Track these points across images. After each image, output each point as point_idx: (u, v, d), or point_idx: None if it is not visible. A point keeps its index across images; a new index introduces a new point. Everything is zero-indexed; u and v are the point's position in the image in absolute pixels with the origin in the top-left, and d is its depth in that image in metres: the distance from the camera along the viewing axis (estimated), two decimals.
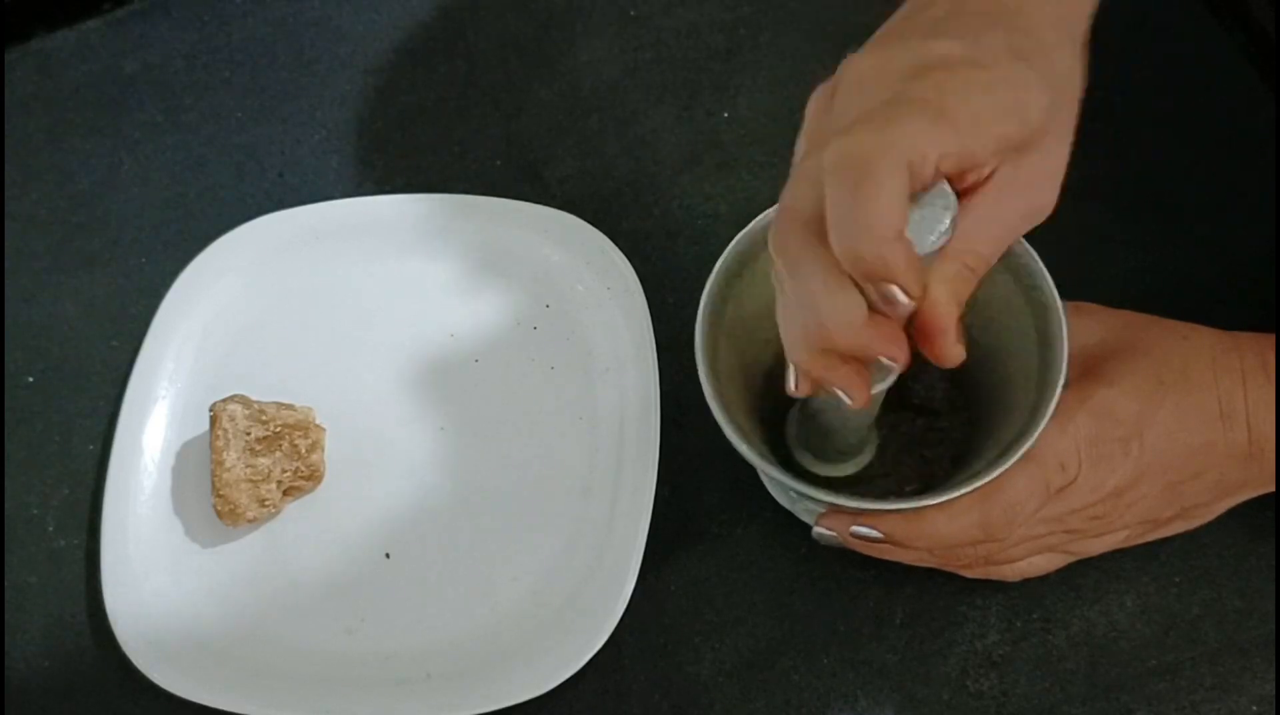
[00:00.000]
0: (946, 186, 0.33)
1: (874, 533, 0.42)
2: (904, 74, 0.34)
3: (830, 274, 0.33)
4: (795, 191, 0.34)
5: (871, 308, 0.33)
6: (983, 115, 0.33)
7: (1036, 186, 0.35)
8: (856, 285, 0.33)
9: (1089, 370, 0.43)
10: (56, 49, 0.67)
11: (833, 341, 0.34)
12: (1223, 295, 0.53)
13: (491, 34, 0.64)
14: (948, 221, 0.33)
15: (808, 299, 0.34)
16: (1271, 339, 0.43)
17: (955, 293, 0.35)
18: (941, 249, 0.33)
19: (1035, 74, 0.34)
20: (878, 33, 0.38)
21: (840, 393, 0.36)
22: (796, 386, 0.38)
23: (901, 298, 0.32)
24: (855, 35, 0.61)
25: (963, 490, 0.39)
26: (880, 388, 0.37)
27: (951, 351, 0.35)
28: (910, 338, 0.35)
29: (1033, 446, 0.39)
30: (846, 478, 0.48)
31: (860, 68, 0.35)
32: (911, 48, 0.35)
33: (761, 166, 0.59)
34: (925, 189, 0.32)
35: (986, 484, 0.39)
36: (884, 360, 0.34)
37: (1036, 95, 0.34)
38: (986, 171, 0.34)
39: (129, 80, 0.66)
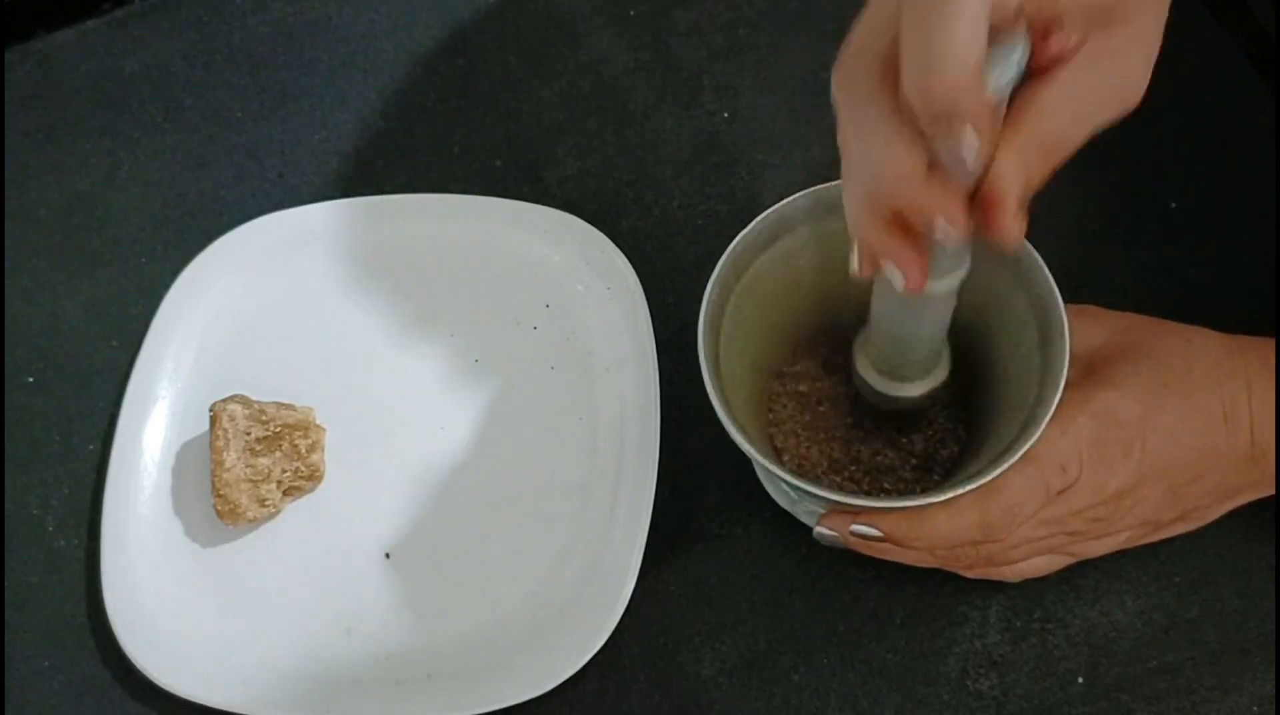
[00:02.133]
0: (1022, 33, 0.31)
1: (874, 531, 0.42)
2: None
3: (893, 120, 0.31)
4: (866, 27, 0.32)
5: (933, 166, 0.31)
6: None
7: (1125, 63, 0.33)
8: (919, 139, 0.31)
9: (1091, 372, 0.43)
10: (56, 49, 0.67)
11: (890, 197, 0.32)
12: (1223, 296, 0.53)
13: (491, 34, 0.64)
14: (1015, 68, 0.30)
15: (867, 147, 0.32)
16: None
17: (1023, 164, 0.32)
18: (1015, 115, 0.31)
19: None
20: None
21: (895, 271, 0.34)
22: (860, 266, 0.36)
23: (971, 142, 0.30)
24: None
25: (963, 489, 0.39)
26: (940, 285, 0.36)
27: (1011, 227, 0.33)
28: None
29: (1034, 448, 0.39)
30: (847, 477, 0.48)
31: None
32: None
33: (761, 166, 0.59)
34: (1003, 29, 0.30)
35: (987, 484, 0.39)
36: (941, 227, 0.32)
37: None
38: (1071, 43, 0.32)
39: (129, 80, 0.66)
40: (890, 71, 0.31)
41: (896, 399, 0.45)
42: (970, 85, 0.29)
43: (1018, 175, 0.32)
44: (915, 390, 0.45)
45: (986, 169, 0.32)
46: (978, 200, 0.33)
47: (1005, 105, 0.32)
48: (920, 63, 0.29)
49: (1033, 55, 0.32)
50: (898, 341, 0.43)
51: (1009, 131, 0.32)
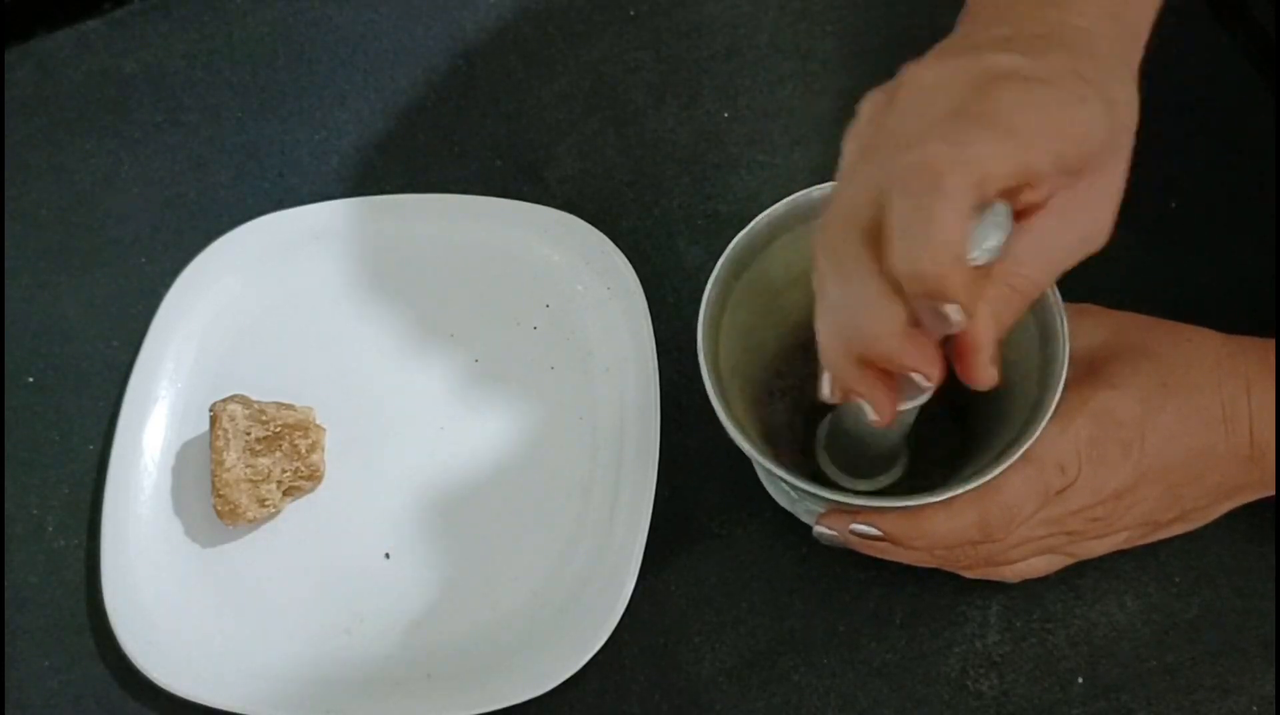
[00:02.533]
0: (1002, 206, 0.33)
1: (874, 531, 0.42)
2: (970, 85, 0.33)
3: (876, 281, 0.32)
4: (849, 195, 0.34)
5: (911, 323, 0.33)
6: (1047, 132, 0.33)
7: (1092, 213, 0.35)
8: (899, 296, 0.32)
9: (1091, 372, 0.43)
10: (56, 49, 0.67)
11: (869, 350, 0.34)
12: (1223, 296, 0.53)
13: (491, 34, 0.64)
14: (999, 239, 0.32)
15: (849, 305, 0.33)
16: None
17: (997, 314, 0.34)
18: (989, 269, 0.33)
19: (1096, 97, 0.34)
20: (939, 45, 0.38)
21: (867, 407, 0.35)
22: (830, 392, 0.37)
23: (955, 316, 0.32)
24: (856, 35, 0.61)
25: (962, 489, 0.39)
26: (908, 406, 0.37)
27: (985, 372, 0.35)
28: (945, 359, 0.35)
29: (1032, 447, 0.39)
30: (831, 478, 0.48)
31: (924, 76, 0.35)
32: (977, 60, 0.34)
33: (761, 166, 0.59)
34: (985, 206, 0.32)
35: (985, 484, 0.39)
36: (917, 377, 0.34)
37: (1098, 116, 0.34)
38: (1042, 196, 0.34)
39: (129, 80, 0.66)
40: (873, 234, 0.32)
41: (853, 493, 0.47)
42: (957, 268, 0.31)
43: (991, 322, 0.34)
44: (872, 486, 0.48)
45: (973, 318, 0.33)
46: (954, 347, 0.34)
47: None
48: (909, 248, 0.31)
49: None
50: (859, 448, 0.45)
51: (984, 283, 0.33)
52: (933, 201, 0.31)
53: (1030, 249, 0.34)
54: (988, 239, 0.32)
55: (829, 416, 0.48)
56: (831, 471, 0.48)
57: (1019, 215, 0.34)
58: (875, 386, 0.35)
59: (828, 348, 0.35)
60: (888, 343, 0.33)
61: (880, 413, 0.35)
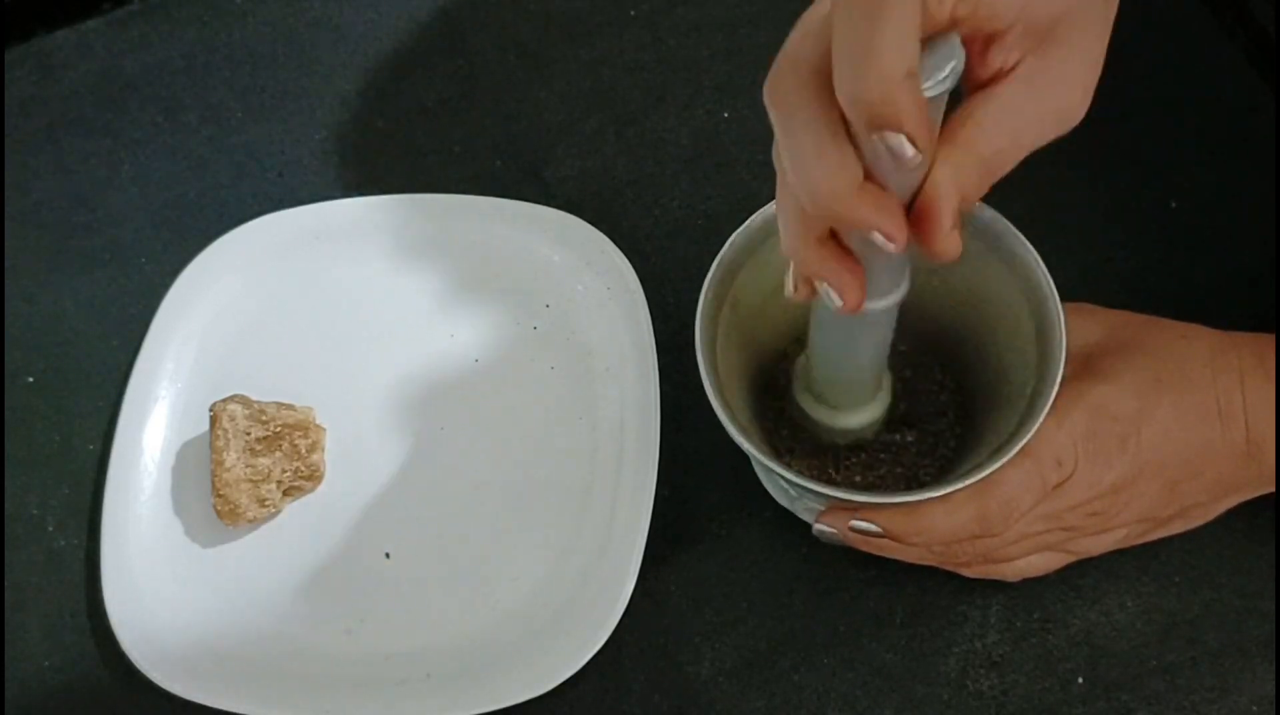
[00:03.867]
0: (955, 37, 0.31)
1: (873, 527, 0.42)
2: None
3: (826, 129, 0.31)
4: (798, 37, 0.32)
5: (868, 178, 0.31)
6: None
7: (1064, 84, 0.33)
8: (854, 150, 0.31)
9: (1086, 368, 0.43)
10: (56, 49, 0.67)
11: (825, 209, 0.31)
12: (1222, 295, 0.53)
13: (491, 34, 0.64)
14: (949, 67, 0.30)
15: (799, 159, 0.31)
16: (1270, 339, 0.43)
17: (959, 180, 0.32)
18: (951, 129, 0.31)
19: None
20: None
21: (832, 293, 0.34)
22: (795, 288, 0.36)
23: (907, 149, 0.29)
24: None
25: (961, 484, 0.39)
26: (878, 305, 0.35)
27: (946, 240, 0.32)
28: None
29: (1029, 442, 0.39)
30: (847, 476, 0.48)
31: None
32: None
33: (761, 166, 0.59)
34: (935, 35, 0.30)
35: (983, 478, 0.39)
36: (878, 238, 0.31)
37: None
38: (1010, 62, 0.32)
39: (129, 80, 0.66)
40: (823, 82, 0.31)
41: (835, 430, 0.45)
42: (904, 88, 0.29)
43: (953, 189, 0.32)
44: (855, 420, 0.45)
45: (922, 182, 0.32)
46: (913, 213, 0.32)
47: (941, 115, 0.32)
48: (852, 66, 0.29)
49: (971, 70, 0.32)
50: (836, 367, 0.43)
51: (945, 145, 0.32)
52: (876, 15, 0.28)
53: (996, 116, 0.32)
54: (939, 70, 0.30)
55: (803, 354, 0.45)
56: (809, 405, 0.45)
57: (985, 83, 0.32)
58: (838, 267, 0.33)
59: (786, 228, 0.34)
60: (843, 197, 0.31)
61: (846, 296, 0.34)
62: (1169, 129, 0.56)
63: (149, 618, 0.51)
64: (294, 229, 0.59)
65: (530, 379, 0.55)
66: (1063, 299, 0.41)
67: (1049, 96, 0.33)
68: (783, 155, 0.32)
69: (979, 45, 0.32)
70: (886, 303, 0.36)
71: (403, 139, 0.62)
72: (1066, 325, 0.40)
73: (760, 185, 0.58)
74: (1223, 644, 0.47)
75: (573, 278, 0.56)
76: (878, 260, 0.34)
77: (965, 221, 0.33)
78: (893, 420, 0.48)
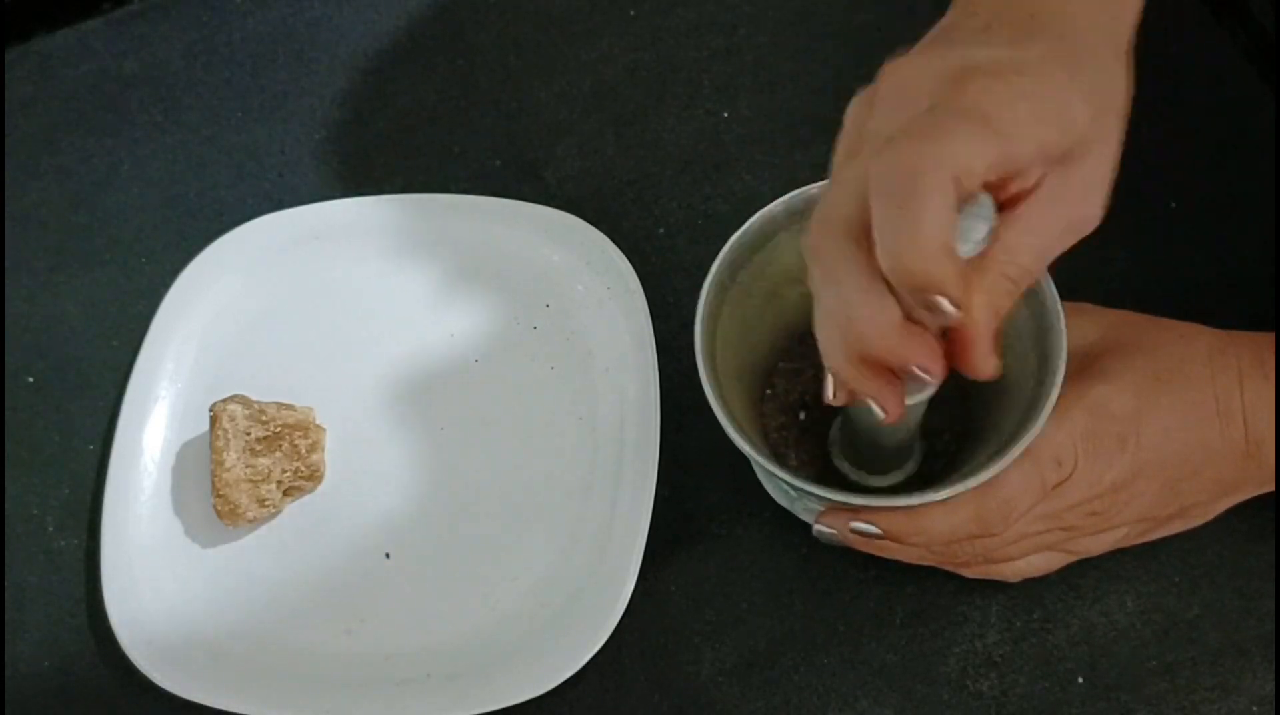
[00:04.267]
0: (986, 197, 0.33)
1: (872, 529, 0.42)
2: (946, 80, 0.33)
3: (866, 280, 0.32)
4: (835, 198, 0.34)
5: (908, 317, 0.33)
6: (1026, 122, 0.32)
7: (1081, 197, 0.35)
8: (893, 292, 0.32)
9: (1085, 368, 0.43)
10: (56, 49, 0.67)
11: (868, 349, 0.33)
12: (1222, 295, 0.53)
13: (491, 34, 0.64)
14: (985, 231, 0.32)
15: (843, 306, 0.33)
16: (1268, 338, 0.44)
17: (993, 304, 0.34)
18: (982, 259, 0.33)
19: (1078, 81, 0.34)
20: (921, 42, 0.38)
21: (873, 404, 0.35)
22: (834, 395, 0.37)
23: (948, 308, 0.31)
24: (856, 35, 0.61)
25: (961, 486, 0.39)
26: (916, 400, 0.37)
27: (985, 363, 0.34)
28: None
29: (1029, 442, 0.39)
30: (846, 475, 0.48)
31: (901, 74, 0.35)
32: (953, 54, 0.34)
33: (761, 166, 0.59)
34: (968, 199, 0.32)
35: (983, 479, 0.39)
36: (918, 371, 0.34)
37: (1080, 102, 0.34)
38: (1030, 182, 0.34)
39: (129, 80, 0.66)
40: (860, 237, 0.32)
41: (867, 490, 0.47)
42: (944, 264, 0.31)
43: (988, 315, 0.34)
44: (887, 481, 0.47)
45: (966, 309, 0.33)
46: (952, 338, 0.34)
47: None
48: (894, 244, 0.31)
49: (994, 195, 0.34)
50: (870, 445, 0.45)
51: (977, 274, 0.33)
52: (913, 199, 0.31)
53: (1021, 236, 0.34)
54: (974, 232, 0.32)
55: (839, 416, 0.48)
56: (846, 469, 0.48)
57: (1008, 203, 0.34)
58: (879, 384, 0.35)
59: (828, 350, 0.35)
60: (885, 340, 0.33)
61: (887, 410, 0.35)
62: (1169, 129, 0.56)
63: (149, 617, 0.51)
64: (294, 229, 0.59)
65: (530, 379, 0.55)
66: (1062, 299, 0.41)
67: (1071, 209, 0.35)
68: (824, 301, 0.34)
69: (1000, 181, 0.33)
70: (921, 397, 0.37)
71: (403, 139, 0.62)
72: (1066, 328, 0.40)
73: (760, 185, 0.58)
74: (1223, 644, 0.47)
75: (573, 278, 0.56)
76: None
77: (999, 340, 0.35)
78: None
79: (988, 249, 0.33)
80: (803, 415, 0.50)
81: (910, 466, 0.48)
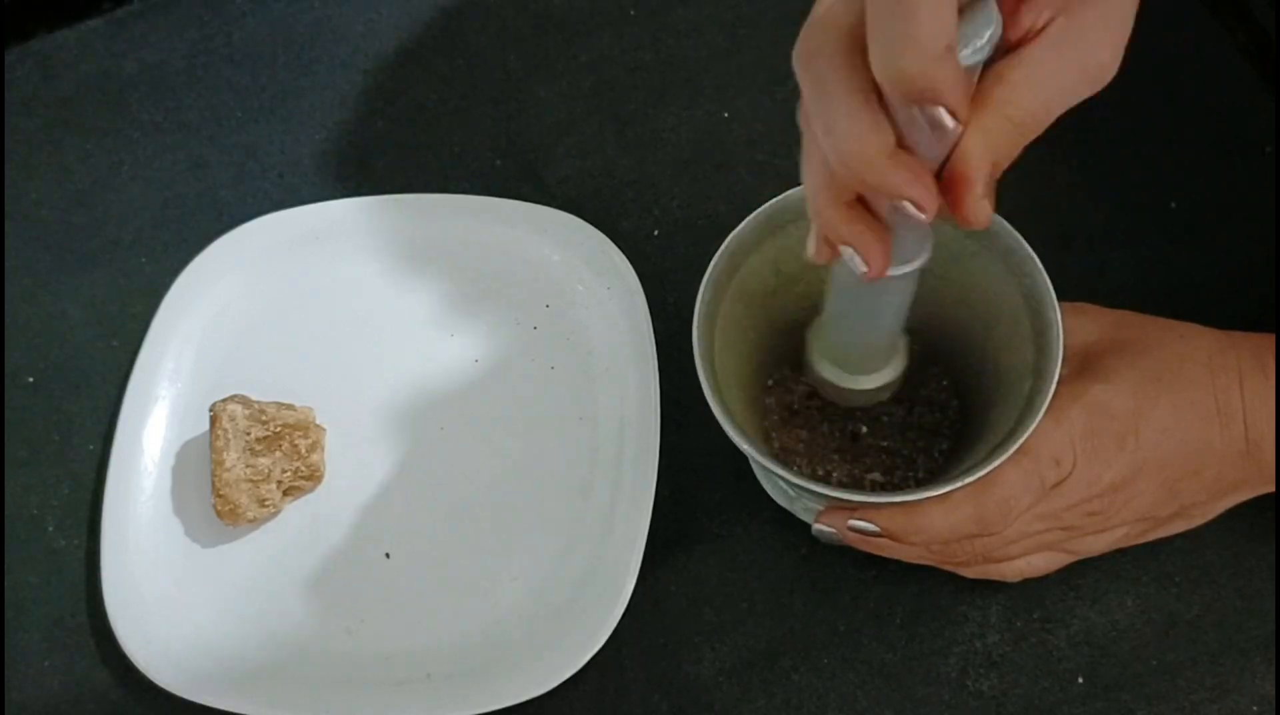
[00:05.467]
0: (991, 3, 0.30)
1: (871, 527, 0.42)
2: None
3: (858, 95, 0.30)
4: (828, 1, 0.31)
5: (900, 144, 0.31)
6: None
7: (1093, 44, 0.32)
8: (886, 116, 0.30)
9: (1085, 367, 0.43)
10: (56, 49, 0.67)
11: (856, 176, 0.31)
12: (1222, 295, 0.53)
13: (491, 34, 0.64)
14: (987, 36, 0.30)
15: (831, 124, 0.31)
16: (1268, 338, 0.43)
17: (991, 145, 0.31)
18: (981, 94, 0.31)
19: None
20: None
21: (857, 257, 0.33)
22: (816, 248, 0.35)
23: (947, 120, 0.29)
24: None
25: (959, 483, 0.39)
26: (902, 270, 0.35)
27: (977, 207, 0.32)
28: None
29: (1028, 441, 0.39)
30: (844, 474, 0.48)
31: None
32: None
33: (761, 166, 0.59)
34: (972, 1, 0.30)
35: (981, 478, 0.39)
36: (909, 207, 0.31)
37: None
38: (1043, 19, 0.32)
39: (129, 80, 0.66)
40: (855, 46, 0.30)
41: (851, 392, 0.44)
42: (943, 62, 0.28)
43: (985, 154, 0.32)
44: (871, 382, 0.44)
45: (953, 147, 0.31)
46: (944, 180, 0.32)
47: (975, 80, 0.31)
48: (890, 42, 0.29)
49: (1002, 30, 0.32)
50: (854, 331, 0.42)
51: (976, 110, 0.31)
52: None
53: (1026, 78, 0.32)
54: (976, 36, 0.30)
55: (817, 319, 0.45)
56: (825, 368, 0.44)
57: (1015, 44, 0.32)
58: (864, 231, 0.33)
59: (813, 188, 0.33)
60: (875, 166, 0.31)
61: (871, 261, 0.33)
62: (1169, 129, 0.56)
63: (149, 618, 0.51)
64: (294, 229, 0.59)
65: (530, 379, 0.55)
66: (1062, 299, 0.41)
67: (1080, 56, 0.32)
68: (812, 120, 0.32)
69: (1010, 5, 0.31)
70: (910, 268, 0.36)
71: (403, 139, 0.62)
72: (1064, 324, 0.40)
73: (760, 185, 0.58)
74: (1223, 644, 0.47)
75: (573, 278, 0.56)
76: (903, 225, 0.34)
77: (995, 186, 0.33)
78: (892, 419, 0.49)
79: (989, 83, 0.31)
80: (804, 413, 0.50)
81: (894, 367, 0.44)
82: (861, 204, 0.33)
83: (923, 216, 0.31)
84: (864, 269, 0.33)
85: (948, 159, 0.32)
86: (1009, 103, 0.32)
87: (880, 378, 0.44)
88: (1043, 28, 0.32)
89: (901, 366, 0.44)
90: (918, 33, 0.28)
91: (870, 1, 0.29)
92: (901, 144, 0.31)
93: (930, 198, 0.31)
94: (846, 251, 0.34)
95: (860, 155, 0.31)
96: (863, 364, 0.44)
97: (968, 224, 0.32)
